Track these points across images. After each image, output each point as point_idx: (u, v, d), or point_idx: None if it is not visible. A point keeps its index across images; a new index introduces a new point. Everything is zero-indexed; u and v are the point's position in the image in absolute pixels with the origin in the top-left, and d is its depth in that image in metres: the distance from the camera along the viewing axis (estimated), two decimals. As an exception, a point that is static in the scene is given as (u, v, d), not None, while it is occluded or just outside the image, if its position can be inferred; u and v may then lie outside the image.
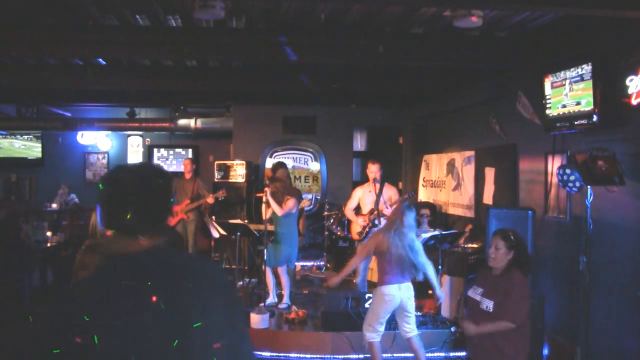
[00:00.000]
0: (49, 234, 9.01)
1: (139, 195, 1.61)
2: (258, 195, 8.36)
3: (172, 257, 1.67)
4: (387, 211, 6.57)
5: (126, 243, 1.61)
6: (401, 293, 4.97)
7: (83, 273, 3.47)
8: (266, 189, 6.85)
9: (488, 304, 3.66)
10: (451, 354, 5.75)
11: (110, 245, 1.63)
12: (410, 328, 5.09)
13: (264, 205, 7.00)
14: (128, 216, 1.58)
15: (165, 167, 12.03)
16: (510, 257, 3.71)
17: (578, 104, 5.16)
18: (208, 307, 1.59)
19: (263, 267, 6.93)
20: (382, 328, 5.10)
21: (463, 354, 5.53)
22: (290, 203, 6.75)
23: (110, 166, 12.07)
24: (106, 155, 12.40)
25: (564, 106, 5.37)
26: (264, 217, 7.07)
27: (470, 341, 3.92)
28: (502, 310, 3.60)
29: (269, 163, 10.80)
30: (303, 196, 7.90)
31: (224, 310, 1.64)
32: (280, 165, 7.77)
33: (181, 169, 9.35)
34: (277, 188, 6.85)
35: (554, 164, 5.80)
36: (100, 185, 1.64)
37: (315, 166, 10.96)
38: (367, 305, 5.89)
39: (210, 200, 8.58)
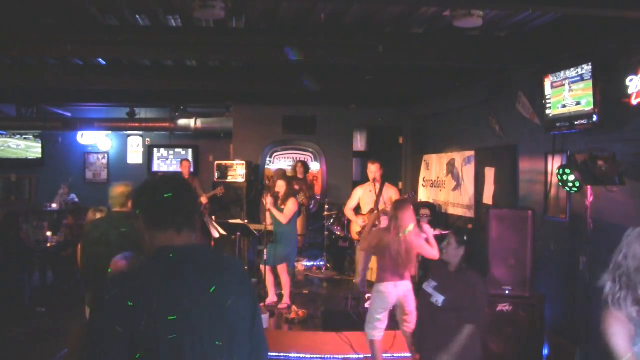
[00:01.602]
0: (49, 234, 9.00)
1: (187, 200, 1.92)
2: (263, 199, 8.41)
3: (210, 252, 2.00)
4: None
5: (173, 237, 1.84)
6: (397, 291, 4.91)
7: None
8: (269, 195, 6.90)
9: (438, 298, 3.78)
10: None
11: (158, 240, 1.86)
12: (411, 327, 5.00)
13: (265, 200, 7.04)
14: (181, 216, 1.86)
15: (165, 167, 12.11)
16: (462, 253, 3.87)
17: (578, 104, 5.16)
18: (240, 299, 1.86)
19: (262, 266, 6.93)
20: (381, 325, 5.00)
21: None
22: (290, 205, 6.75)
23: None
24: (106, 155, 12.39)
25: (564, 106, 5.37)
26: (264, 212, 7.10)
27: (423, 340, 3.97)
28: (467, 314, 3.70)
29: (269, 163, 10.84)
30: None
31: (250, 304, 1.91)
32: (304, 165, 9.78)
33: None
34: (291, 185, 7.01)
35: (554, 164, 5.80)
36: (166, 194, 1.88)
37: (315, 166, 10.97)
38: (367, 305, 5.90)
39: (203, 200, 8.59)
